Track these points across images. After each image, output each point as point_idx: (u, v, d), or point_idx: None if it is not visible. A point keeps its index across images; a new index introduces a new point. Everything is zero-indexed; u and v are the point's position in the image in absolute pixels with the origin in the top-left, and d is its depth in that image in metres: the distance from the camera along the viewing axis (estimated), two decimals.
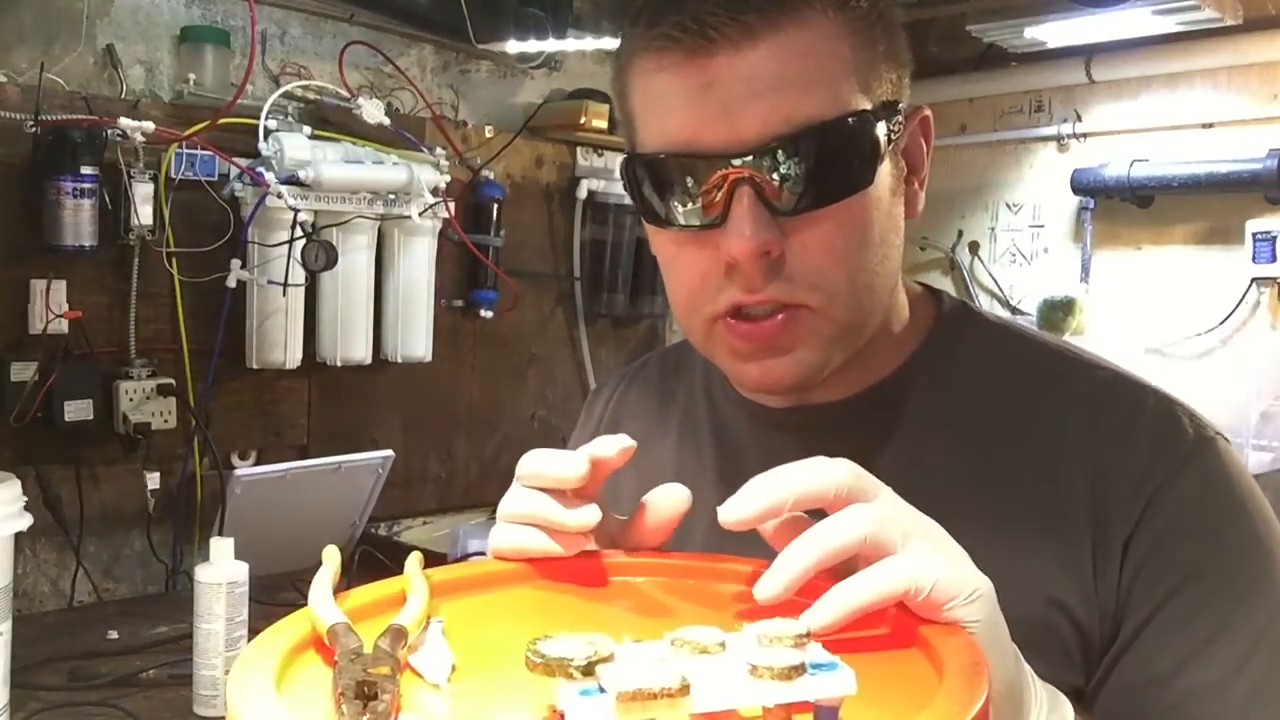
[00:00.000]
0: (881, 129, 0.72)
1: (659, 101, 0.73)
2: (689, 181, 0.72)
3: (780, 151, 0.69)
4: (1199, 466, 0.74)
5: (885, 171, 0.74)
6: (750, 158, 0.70)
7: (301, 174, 2.22)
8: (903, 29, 0.77)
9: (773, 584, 0.56)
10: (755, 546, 0.70)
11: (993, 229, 3.36)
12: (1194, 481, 0.73)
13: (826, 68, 0.71)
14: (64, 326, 2.06)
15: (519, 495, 0.66)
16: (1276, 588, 0.72)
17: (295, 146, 2.23)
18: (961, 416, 0.80)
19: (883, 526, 0.56)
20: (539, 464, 0.65)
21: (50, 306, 2.05)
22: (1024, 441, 0.77)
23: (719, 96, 0.70)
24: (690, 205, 0.73)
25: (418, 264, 2.52)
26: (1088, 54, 3.00)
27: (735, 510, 0.58)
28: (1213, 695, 0.69)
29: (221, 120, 2.17)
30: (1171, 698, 0.70)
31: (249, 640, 1.48)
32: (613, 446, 0.65)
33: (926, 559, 0.55)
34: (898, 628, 0.56)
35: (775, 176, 0.70)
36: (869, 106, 0.72)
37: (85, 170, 2.00)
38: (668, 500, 0.67)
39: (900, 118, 0.74)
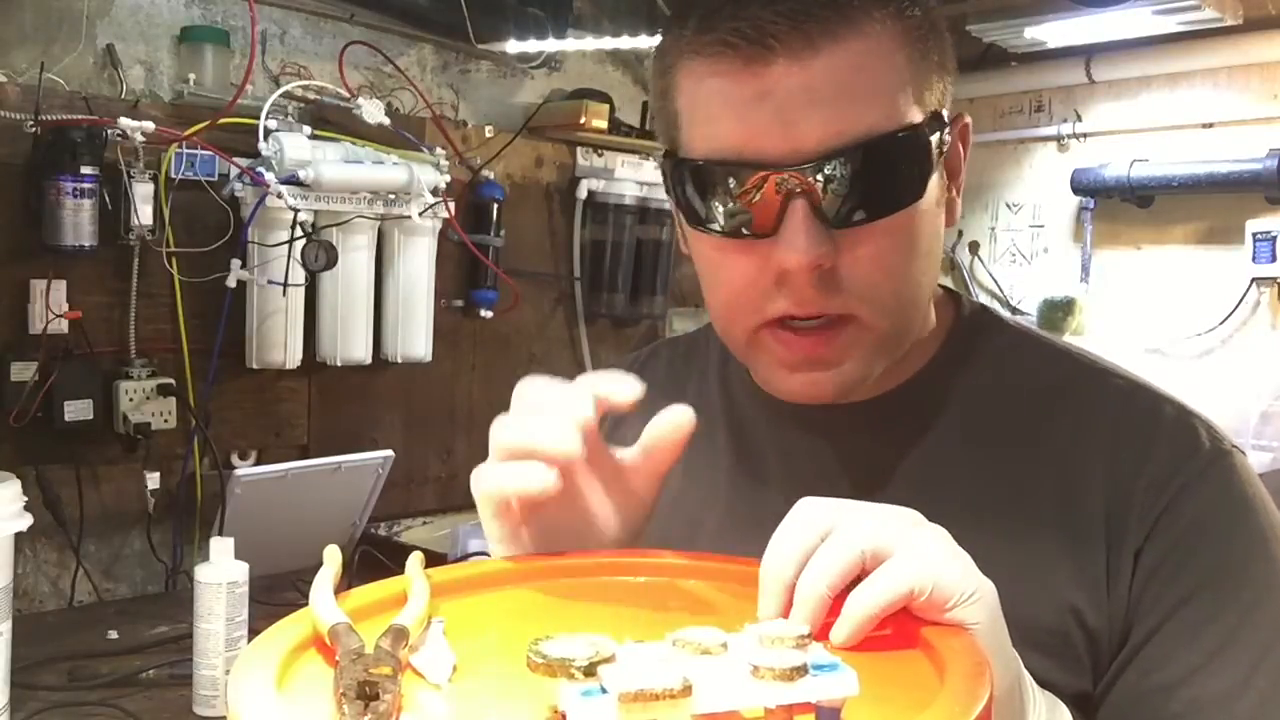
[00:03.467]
0: (934, 140, 0.72)
1: (710, 107, 0.72)
2: (740, 189, 0.70)
3: (837, 164, 0.68)
4: (1214, 479, 0.73)
5: (934, 183, 0.73)
6: (805, 169, 0.68)
7: (301, 174, 2.21)
8: (949, 36, 0.76)
9: (798, 620, 0.56)
10: (769, 534, 0.69)
11: (993, 229, 3.36)
12: (1208, 494, 0.73)
13: (884, 79, 0.70)
14: (64, 326, 2.06)
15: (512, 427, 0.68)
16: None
17: (295, 146, 2.23)
18: (980, 421, 0.79)
19: (876, 537, 0.57)
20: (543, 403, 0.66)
21: (50, 306, 2.05)
22: (1042, 448, 0.77)
23: (776, 105, 0.68)
24: (739, 213, 0.71)
25: (418, 264, 2.52)
26: (1088, 54, 3.00)
27: (769, 609, 0.57)
28: (1218, 707, 0.69)
29: (221, 120, 2.17)
30: (1177, 707, 0.69)
31: (249, 640, 1.48)
32: (620, 390, 0.66)
33: (924, 560, 0.56)
34: (899, 629, 0.56)
35: (830, 189, 0.69)
36: (922, 118, 0.71)
37: (85, 170, 2.00)
38: (671, 423, 0.68)
39: (948, 128, 0.74)
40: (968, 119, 0.79)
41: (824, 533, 0.58)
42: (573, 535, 0.70)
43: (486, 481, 0.68)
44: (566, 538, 0.70)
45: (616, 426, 0.96)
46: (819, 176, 0.69)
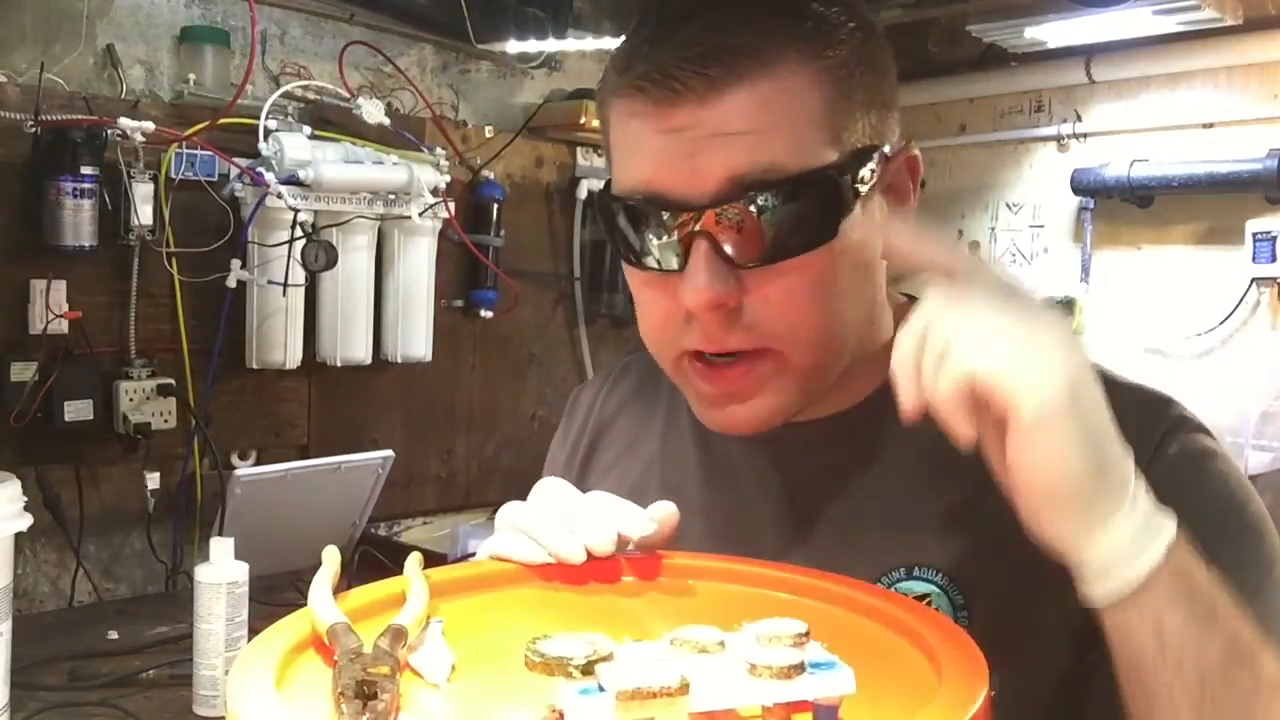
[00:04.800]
0: (850, 179, 0.72)
1: (628, 145, 0.74)
2: (653, 225, 0.72)
3: (740, 202, 0.69)
4: (1175, 440, 0.74)
5: (855, 220, 0.73)
6: (707, 208, 0.70)
7: (301, 174, 2.21)
8: (892, 67, 0.77)
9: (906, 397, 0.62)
10: (748, 548, 0.70)
11: (993, 229, 3.36)
12: (1171, 453, 0.73)
13: (791, 119, 0.70)
14: (64, 326, 2.06)
15: (529, 515, 0.70)
16: (1264, 563, 0.71)
17: (295, 146, 2.23)
18: (942, 443, 0.78)
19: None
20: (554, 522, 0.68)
21: (50, 306, 2.05)
22: None
23: (681, 145, 0.70)
24: (654, 248, 0.73)
25: (418, 264, 2.52)
26: (1088, 54, 3.00)
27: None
28: None
29: (221, 120, 2.17)
30: None
31: (249, 640, 1.48)
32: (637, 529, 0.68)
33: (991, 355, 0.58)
34: (896, 626, 0.56)
35: (732, 229, 0.70)
36: (836, 157, 0.71)
37: (85, 170, 2.00)
38: (663, 523, 0.69)
39: (873, 165, 0.73)
40: (916, 151, 0.79)
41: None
42: None
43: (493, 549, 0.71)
44: None
45: (598, 438, 0.96)
46: (720, 216, 0.69)
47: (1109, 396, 0.76)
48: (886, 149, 0.75)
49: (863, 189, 0.72)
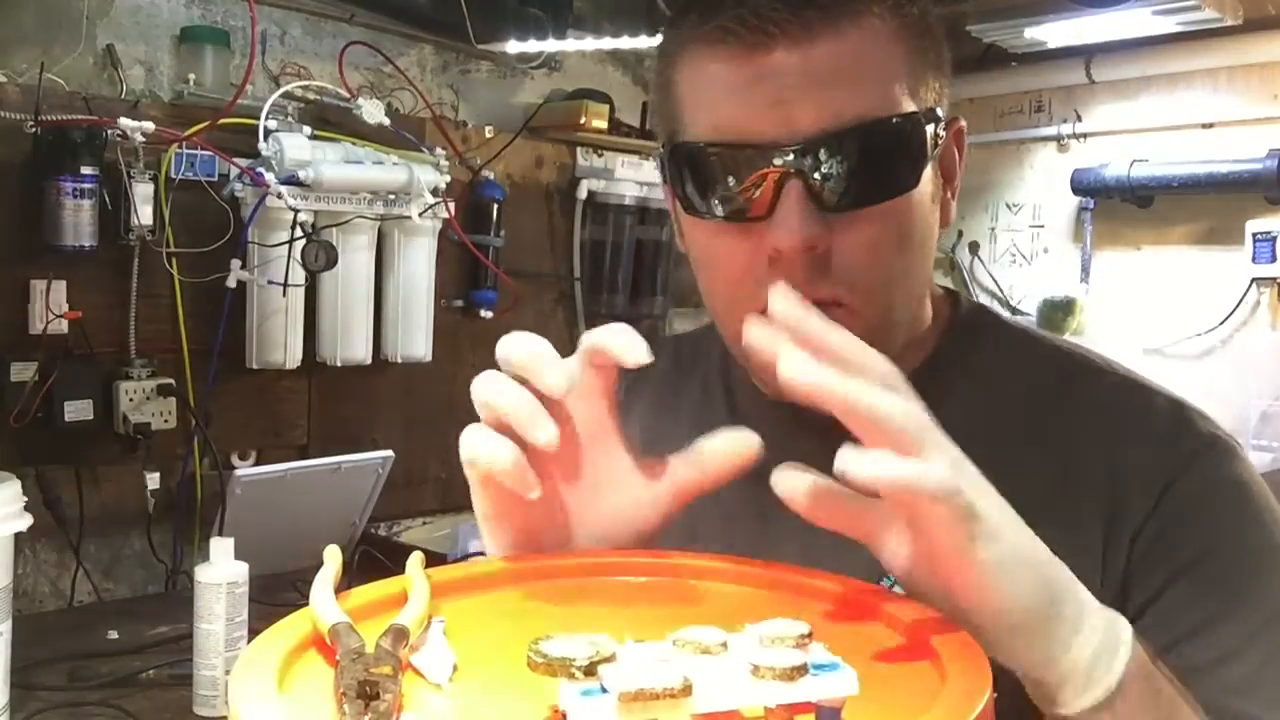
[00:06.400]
0: (929, 133, 0.73)
1: (710, 92, 0.73)
2: (736, 173, 0.72)
3: (831, 146, 0.70)
4: (1207, 465, 0.74)
5: (928, 177, 0.74)
6: (800, 151, 0.70)
7: (301, 174, 2.21)
8: (945, 39, 0.78)
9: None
10: (768, 543, 0.69)
11: (993, 229, 3.36)
12: (1200, 477, 0.74)
13: (880, 68, 0.72)
14: (64, 326, 2.06)
15: (502, 387, 0.68)
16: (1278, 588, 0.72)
17: (295, 146, 2.23)
18: (977, 421, 0.75)
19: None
20: (526, 358, 0.67)
21: (50, 306, 2.05)
22: (1039, 448, 0.77)
23: (773, 87, 0.70)
24: (735, 196, 0.73)
25: (418, 264, 2.52)
26: (1088, 54, 3.01)
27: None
28: (1202, 675, 0.68)
29: (221, 120, 2.17)
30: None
31: (249, 640, 1.48)
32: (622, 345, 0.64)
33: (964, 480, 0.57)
34: (901, 630, 0.56)
35: (824, 172, 0.70)
36: (917, 110, 0.73)
37: (85, 170, 2.00)
38: (734, 447, 0.66)
39: (942, 125, 0.75)
40: (963, 123, 0.80)
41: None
42: (558, 535, 0.68)
43: (463, 447, 0.66)
44: (549, 535, 0.68)
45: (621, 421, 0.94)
46: (813, 158, 0.70)
47: (1139, 403, 0.77)
48: (943, 115, 0.76)
49: (937, 145, 0.74)
